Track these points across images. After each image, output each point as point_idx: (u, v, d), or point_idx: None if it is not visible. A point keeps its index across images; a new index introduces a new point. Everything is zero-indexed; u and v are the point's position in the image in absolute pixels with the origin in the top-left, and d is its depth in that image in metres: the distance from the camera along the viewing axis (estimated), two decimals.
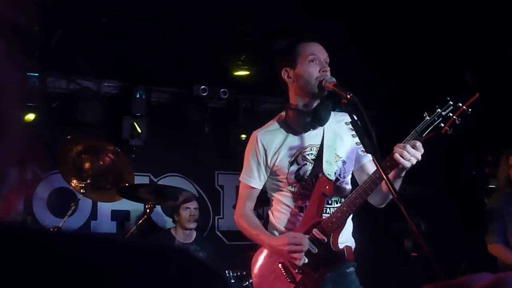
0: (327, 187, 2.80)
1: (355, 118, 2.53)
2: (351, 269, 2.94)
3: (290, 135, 2.93)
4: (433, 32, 5.29)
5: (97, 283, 0.52)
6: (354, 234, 3.03)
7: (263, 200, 3.22)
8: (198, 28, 5.40)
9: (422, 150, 2.55)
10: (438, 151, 3.77)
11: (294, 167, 2.88)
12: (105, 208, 6.54)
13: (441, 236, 5.76)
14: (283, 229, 2.93)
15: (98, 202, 6.37)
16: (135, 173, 5.02)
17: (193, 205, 5.82)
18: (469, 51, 5.33)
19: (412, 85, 6.10)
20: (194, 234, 5.93)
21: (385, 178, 2.37)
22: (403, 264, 6.08)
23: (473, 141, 5.66)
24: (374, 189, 2.65)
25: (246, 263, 3.26)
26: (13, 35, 0.66)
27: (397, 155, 2.52)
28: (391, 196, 2.72)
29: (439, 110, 2.57)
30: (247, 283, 4.78)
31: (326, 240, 2.77)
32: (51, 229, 4.30)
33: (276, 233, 2.95)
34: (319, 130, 2.92)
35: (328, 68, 2.81)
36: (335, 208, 2.82)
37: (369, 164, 2.90)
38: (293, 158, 2.89)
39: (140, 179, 6.49)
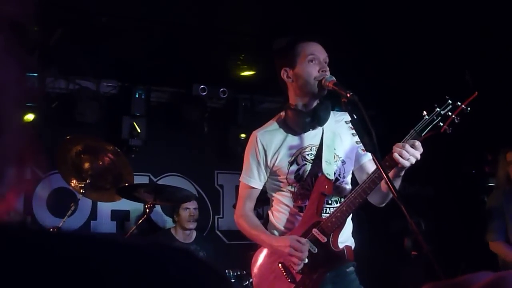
0: (327, 186, 2.81)
1: (355, 117, 2.54)
2: (351, 268, 2.94)
3: (290, 135, 2.93)
4: (432, 31, 5.29)
5: (97, 284, 0.52)
6: (354, 234, 3.03)
7: (263, 200, 3.22)
8: (197, 27, 5.40)
9: (421, 149, 2.55)
10: (438, 150, 3.77)
11: (293, 167, 2.88)
12: (105, 208, 6.54)
13: (440, 235, 5.76)
14: (283, 229, 2.94)
15: (98, 202, 6.37)
16: (134, 173, 5.02)
17: (192, 205, 5.82)
18: (468, 51, 5.33)
19: (412, 84, 6.10)
20: (194, 234, 5.93)
21: (385, 177, 2.37)
22: (403, 263, 6.08)
23: (473, 140, 5.66)
24: (373, 189, 2.65)
25: (246, 263, 3.26)
26: (12, 30, 0.66)
27: (396, 155, 2.52)
28: (390, 196, 2.72)
29: (438, 109, 2.57)
30: (247, 282, 4.79)
31: (326, 240, 2.77)
32: (51, 229, 4.31)
33: (276, 233, 2.95)
34: (319, 130, 2.92)
35: (328, 68, 2.81)
36: (334, 208, 2.82)
37: (369, 164, 2.90)
38: (292, 158, 2.89)
39: (140, 179, 6.49)
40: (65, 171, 4.77)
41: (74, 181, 4.69)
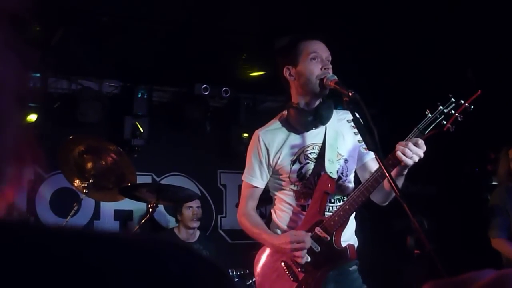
0: (329, 185, 2.80)
1: (357, 115, 2.53)
2: (354, 267, 2.94)
3: (292, 134, 2.93)
4: (434, 30, 5.29)
5: (97, 280, 0.52)
6: (357, 232, 3.03)
7: (266, 199, 3.22)
8: (199, 27, 5.40)
9: (424, 148, 2.55)
10: (440, 149, 3.77)
11: (296, 166, 2.88)
12: (108, 208, 6.55)
13: (443, 234, 5.75)
14: (286, 227, 2.93)
15: (101, 202, 6.38)
16: (137, 173, 5.02)
17: (195, 203, 5.82)
18: (470, 49, 5.32)
19: (414, 82, 6.09)
20: (197, 233, 5.93)
21: (387, 175, 2.37)
22: (406, 262, 6.07)
23: (475, 139, 5.66)
24: (376, 187, 2.65)
25: (249, 262, 3.26)
26: (11, 25, 0.65)
27: (399, 153, 2.52)
28: (393, 194, 2.72)
29: (441, 107, 2.56)
30: (250, 281, 4.79)
31: (328, 239, 2.76)
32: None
33: (279, 231, 2.95)
34: (321, 128, 2.92)
35: (330, 66, 2.81)
36: (337, 207, 2.82)
37: (371, 162, 2.89)
38: (295, 157, 2.89)
39: (143, 179, 6.49)
40: (67, 171, 4.78)
41: (77, 181, 4.70)
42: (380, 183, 2.63)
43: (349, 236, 2.92)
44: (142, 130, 6.57)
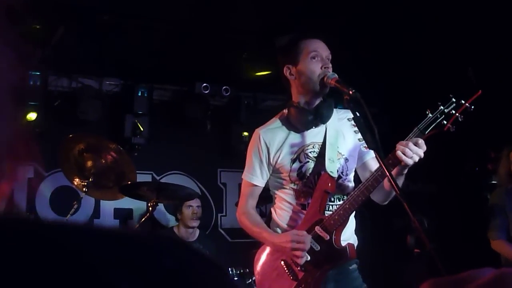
0: (330, 184, 2.80)
1: (357, 114, 2.53)
2: (354, 266, 2.94)
3: (292, 132, 2.93)
4: (435, 29, 5.28)
5: (91, 274, 0.52)
6: (357, 231, 3.02)
7: (266, 198, 3.22)
8: (200, 25, 5.39)
9: (425, 148, 2.55)
10: (441, 148, 3.77)
11: (296, 165, 2.88)
12: (108, 206, 6.55)
13: (443, 233, 5.75)
14: (286, 226, 2.93)
15: (101, 201, 6.38)
16: (137, 171, 5.03)
17: (195, 203, 5.82)
18: (471, 48, 5.32)
19: (414, 81, 6.09)
20: (197, 232, 5.93)
21: (387, 174, 2.36)
22: (406, 261, 6.07)
23: (476, 138, 5.66)
24: (376, 187, 2.65)
25: (249, 261, 3.26)
26: (7, 19, 0.65)
27: (399, 153, 2.52)
28: (393, 194, 2.72)
29: (441, 107, 2.56)
30: (250, 280, 4.79)
31: (328, 238, 2.76)
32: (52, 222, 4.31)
33: (279, 230, 2.95)
34: (321, 127, 2.92)
35: (330, 65, 2.81)
36: (337, 206, 2.82)
37: (372, 161, 2.89)
38: (295, 156, 2.89)
39: (143, 177, 6.49)
40: (67, 170, 4.78)
41: (77, 179, 4.70)
42: (380, 182, 2.63)
43: (349, 235, 2.92)
44: (142, 129, 6.56)
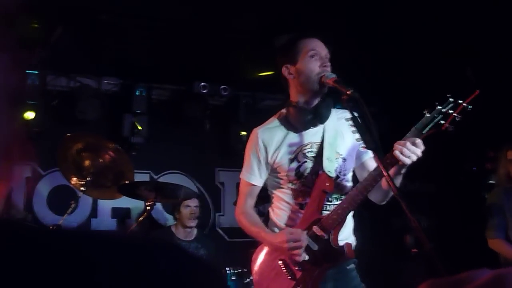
0: (328, 184, 2.80)
1: (355, 114, 2.53)
2: (352, 265, 2.94)
3: (291, 132, 2.93)
4: (434, 28, 5.29)
5: (89, 278, 0.52)
6: (355, 231, 3.02)
7: (264, 197, 3.21)
8: (198, 25, 5.39)
9: (423, 147, 2.54)
10: (439, 147, 3.77)
11: (294, 164, 2.88)
12: (106, 205, 6.55)
13: (442, 232, 5.76)
14: (284, 226, 2.93)
15: (99, 200, 6.38)
16: (135, 171, 5.03)
17: (193, 202, 5.81)
18: (469, 47, 5.32)
19: (413, 81, 6.09)
20: (195, 231, 5.92)
21: (385, 174, 2.36)
22: (404, 260, 6.08)
23: (474, 137, 5.66)
24: (374, 186, 2.64)
25: (247, 260, 3.26)
26: (3, 23, 0.64)
27: (397, 152, 2.52)
28: (391, 193, 2.72)
29: (439, 107, 2.55)
30: (248, 280, 4.78)
31: (326, 237, 2.76)
32: (51, 227, 4.31)
33: (277, 230, 2.95)
34: (320, 127, 2.92)
35: (329, 64, 2.81)
36: (335, 205, 2.81)
37: (370, 161, 2.89)
38: (293, 155, 2.89)
39: (141, 177, 6.49)
40: (65, 169, 4.78)
41: (75, 178, 4.70)
42: (378, 182, 2.63)
43: (347, 235, 2.92)
44: (140, 128, 6.56)
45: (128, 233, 4.40)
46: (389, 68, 6.07)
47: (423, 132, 2.57)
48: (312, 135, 2.92)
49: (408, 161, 2.52)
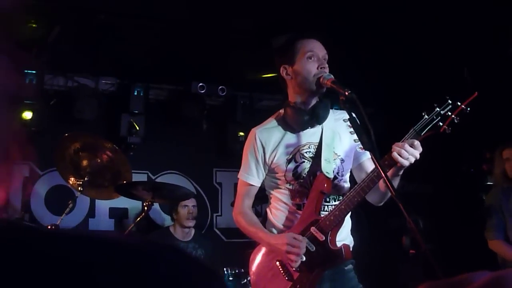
0: (325, 185, 2.80)
1: (353, 115, 2.53)
2: (350, 266, 2.94)
3: (288, 132, 2.93)
4: (432, 29, 5.29)
5: (88, 281, 0.51)
6: (352, 232, 3.02)
7: (261, 198, 3.22)
8: (196, 25, 5.39)
9: (421, 149, 2.55)
10: (436, 148, 3.77)
11: (292, 165, 2.88)
12: (103, 205, 6.53)
13: (439, 233, 5.76)
14: (281, 226, 2.93)
15: (96, 200, 6.37)
16: (133, 171, 5.02)
17: (191, 202, 5.81)
18: (467, 48, 5.33)
19: (411, 81, 6.10)
20: (193, 232, 5.92)
21: (383, 175, 2.36)
22: (401, 261, 6.08)
23: (471, 138, 5.67)
24: (372, 188, 2.65)
25: (244, 261, 3.26)
26: (2, 25, 0.64)
27: (395, 154, 2.52)
28: (389, 195, 2.72)
29: (437, 109, 2.56)
30: (245, 280, 4.78)
31: (324, 238, 2.76)
32: (49, 227, 4.30)
33: (274, 230, 2.95)
34: (317, 128, 2.92)
35: (327, 65, 2.81)
36: (333, 206, 2.82)
37: (368, 162, 2.89)
38: (291, 156, 2.89)
39: (138, 177, 6.48)
40: (63, 169, 4.77)
41: (72, 178, 4.69)
42: (376, 183, 2.63)
43: (344, 236, 2.92)
44: (138, 128, 6.56)
45: (126, 235, 4.38)
46: (386, 68, 6.07)
47: (422, 134, 2.58)
48: (309, 136, 2.92)
49: (406, 163, 2.53)
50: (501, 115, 5.56)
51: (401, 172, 2.64)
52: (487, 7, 4.80)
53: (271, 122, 3.00)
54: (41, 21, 5.00)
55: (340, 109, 2.88)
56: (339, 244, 2.80)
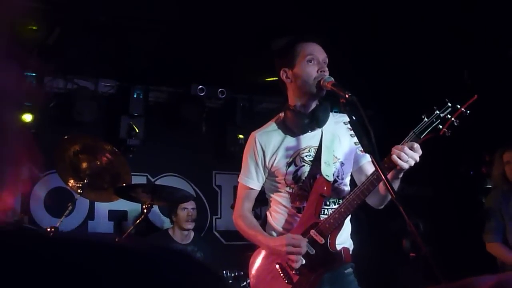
0: (325, 188, 2.80)
1: (353, 118, 2.53)
2: (349, 269, 2.94)
3: (288, 136, 2.93)
4: (431, 31, 5.29)
5: (95, 287, 0.51)
6: (352, 235, 3.02)
7: (261, 201, 3.21)
8: (196, 27, 5.39)
9: (420, 152, 2.55)
10: (436, 151, 3.77)
11: (291, 168, 2.87)
12: (102, 208, 6.53)
13: (439, 236, 5.76)
14: (281, 229, 2.93)
15: (95, 202, 6.36)
16: (132, 173, 5.02)
17: (190, 205, 5.81)
18: (467, 51, 5.33)
19: (411, 84, 6.10)
20: (192, 234, 5.92)
21: (383, 177, 2.36)
22: (402, 264, 6.07)
23: (471, 141, 5.66)
24: (372, 190, 2.64)
25: (243, 264, 3.25)
26: (12, 32, 0.64)
27: (395, 157, 2.52)
28: (389, 198, 2.72)
29: (437, 111, 2.56)
30: (245, 283, 4.78)
31: (323, 241, 2.76)
32: (48, 229, 4.30)
33: (274, 233, 2.95)
34: (317, 131, 2.92)
35: (327, 69, 2.81)
36: (333, 209, 2.81)
37: (368, 165, 2.89)
38: (291, 159, 2.89)
39: (138, 179, 6.48)
40: (62, 171, 4.77)
41: (72, 181, 4.68)
42: (375, 186, 2.63)
43: (344, 239, 2.92)
44: (137, 130, 6.56)
45: (129, 240, 4.38)
46: (385, 71, 6.07)
47: (421, 137, 2.58)
48: (309, 139, 2.92)
49: (406, 166, 2.52)
50: (500, 117, 5.56)
51: (401, 175, 2.64)
52: (487, 9, 4.80)
53: (271, 126, 3.00)
54: (41, 23, 5.00)
55: (340, 112, 2.88)
56: (338, 247, 2.80)
